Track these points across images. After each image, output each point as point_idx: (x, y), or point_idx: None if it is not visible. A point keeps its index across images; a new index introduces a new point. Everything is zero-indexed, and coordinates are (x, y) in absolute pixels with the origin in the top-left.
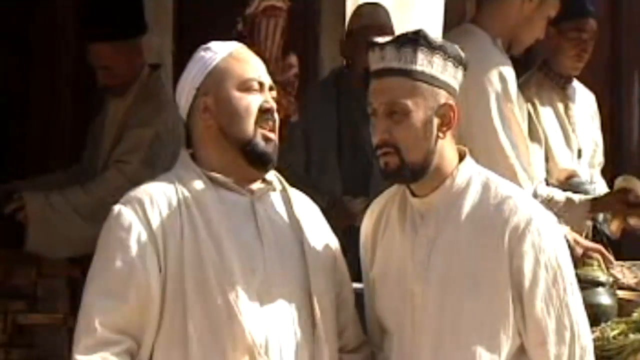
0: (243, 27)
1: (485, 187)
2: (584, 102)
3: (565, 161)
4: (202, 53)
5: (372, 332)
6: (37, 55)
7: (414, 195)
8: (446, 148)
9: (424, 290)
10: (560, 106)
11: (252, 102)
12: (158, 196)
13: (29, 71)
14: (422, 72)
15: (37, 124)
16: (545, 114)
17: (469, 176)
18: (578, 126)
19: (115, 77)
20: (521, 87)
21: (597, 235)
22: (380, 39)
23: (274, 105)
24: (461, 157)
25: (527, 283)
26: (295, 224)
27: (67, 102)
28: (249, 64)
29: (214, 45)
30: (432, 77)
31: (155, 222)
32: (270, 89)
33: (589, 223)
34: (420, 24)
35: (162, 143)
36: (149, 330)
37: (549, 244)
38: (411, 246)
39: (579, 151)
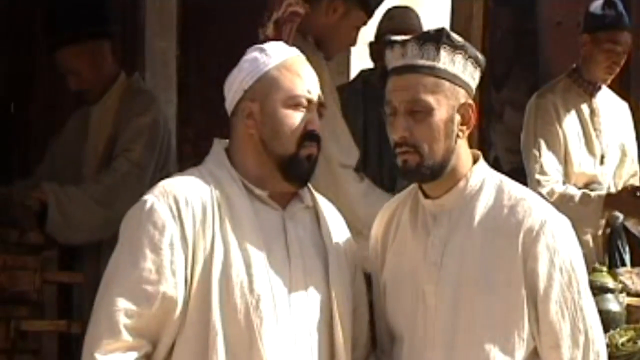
0: (273, 32)
1: (499, 190)
2: (613, 110)
3: (584, 166)
4: (257, 54)
5: (381, 340)
6: (39, 54)
7: (426, 196)
8: (463, 149)
9: (437, 291)
10: (586, 111)
11: (297, 121)
12: (193, 198)
13: (31, 70)
14: (445, 70)
15: (39, 123)
16: (568, 118)
17: (482, 178)
18: (604, 133)
19: (85, 82)
20: (546, 91)
21: (613, 238)
22: (400, 37)
23: (318, 126)
24: (475, 160)
25: (541, 285)
26: (320, 245)
27: (70, 102)
28: (301, 78)
29: (269, 48)
30: (454, 75)
31: (189, 227)
32: (321, 105)
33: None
34: (427, 25)
35: (159, 128)
36: (168, 334)
37: (563, 246)
38: (423, 247)
39: (602, 157)
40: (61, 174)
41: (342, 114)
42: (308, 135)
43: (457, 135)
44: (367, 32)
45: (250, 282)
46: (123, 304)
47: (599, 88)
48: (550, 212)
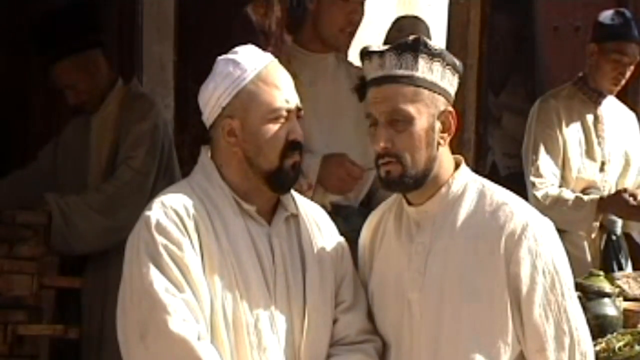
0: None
1: (481, 195)
2: (619, 118)
3: (584, 172)
4: (231, 69)
5: None
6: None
7: (409, 204)
8: (445, 155)
9: (421, 298)
10: (590, 118)
11: (280, 133)
12: (192, 211)
13: (29, 70)
14: (424, 79)
15: (38, 123)
16: (570, 124)
17: (464, 184)
18: (607, 140)
19: (82, 94)
20: (549, 96)
21: (610, 243)
22: (377, 47)
23: (300, 133)
24: (457, 165)
25: (524, 289)
26: (301, 257)
27: (68, 102)
28: (278, 89)
29: (243, 59)
30: (433, 83)
31: (195, 242)
32: (298, 109)
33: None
34: None
35: (160, 133)
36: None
37: (545, 249)
38: (408, 255)
39: (602, 164)
40: (64, 184)
41: None
42: (291, 146)
43: (439, 143)
44: (374, 41)
45: (250, 307)
46: (171, 299)
47: (605, 96)
48: (532, 216)
